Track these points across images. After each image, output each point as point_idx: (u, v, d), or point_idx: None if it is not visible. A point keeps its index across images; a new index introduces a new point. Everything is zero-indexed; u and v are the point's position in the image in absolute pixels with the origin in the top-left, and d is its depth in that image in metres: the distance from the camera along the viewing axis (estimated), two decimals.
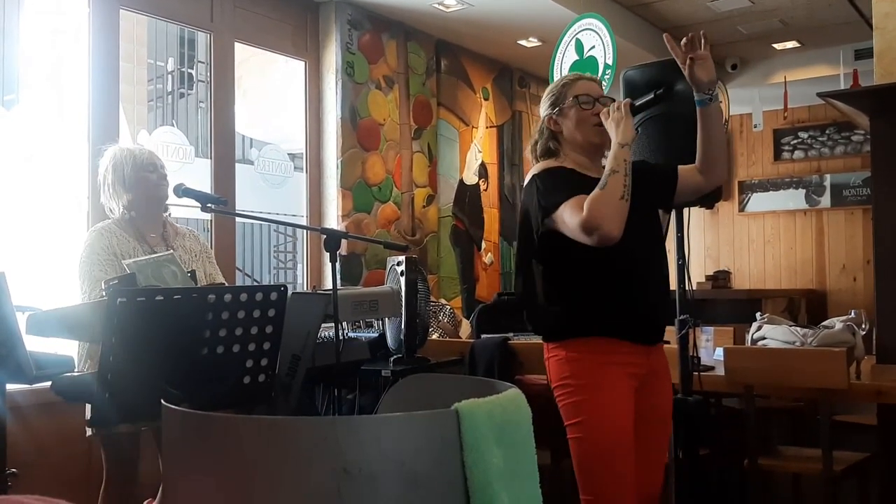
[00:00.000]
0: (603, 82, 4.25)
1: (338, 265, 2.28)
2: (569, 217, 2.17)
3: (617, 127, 2.27)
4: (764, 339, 3.34)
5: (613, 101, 2.40)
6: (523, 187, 2.41)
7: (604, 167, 2.37)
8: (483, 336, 3.79)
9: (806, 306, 7.30)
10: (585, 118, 2.34)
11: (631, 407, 2.25)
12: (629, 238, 2.20)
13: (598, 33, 4.33)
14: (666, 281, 2.43)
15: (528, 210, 2.33)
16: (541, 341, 2.41)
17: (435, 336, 4.45)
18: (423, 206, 5.69)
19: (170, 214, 2.96)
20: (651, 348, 2.33)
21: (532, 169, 2.39)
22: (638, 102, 2.35)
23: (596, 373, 2.23)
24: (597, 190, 2.16)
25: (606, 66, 4.24)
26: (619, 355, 2.24)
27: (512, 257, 6.51)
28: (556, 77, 4.52)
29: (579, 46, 4.42)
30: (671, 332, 3.55)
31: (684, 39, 2.27)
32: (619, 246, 2.16)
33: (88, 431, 2.69)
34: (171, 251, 2.72)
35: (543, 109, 2.45)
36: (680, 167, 2.45)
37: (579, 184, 2.23)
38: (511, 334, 3.69)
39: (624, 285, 2.26)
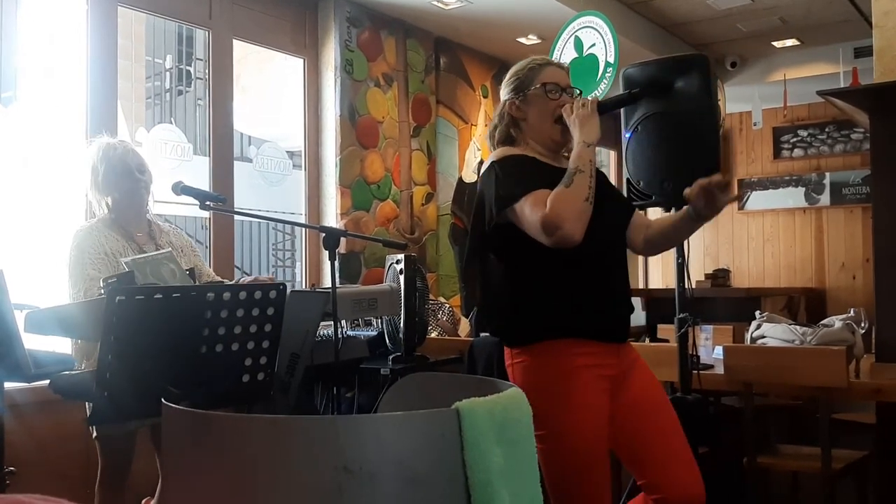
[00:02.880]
0: (604, 81, 4.25)
1: (337, 263, 2.28)
2: (529, 212, 2.03)
3: (582, 125, 2.13)
4: (763, 337, 3.34)
5: (580, 91, 2.30)
6: (481, 174, 2.25)
7: (565, 159, 2.24)
8: (482, 334, 3.78)
9: (805, 305, 7.30)
10: (551, 108, 2.21)
11: (604, 413, 2.11)
12: (593, 231, 2.07)
13: (598, 31, 4.33)
14: (627, 276, 2.29)
15: (484, 199, 2.18)
16: None
17: (434, 334, 4.45)
18: (422, 205, 5.68)
19: (149, 212, 2.89)
20: (620, 346, 2.19)
21: (491, 155, 2.24)
22: (606, 100, 2.25)
23: (565, 379, 2.08)
24: (561, 187, 2.03)
25: (608, 63, 4.23)
26: (589, 357, 2.10)
27: None
28: None
29: (578, 44, 4.41)
30: (671, 331, 3.55)
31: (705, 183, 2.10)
32: (584, 240, 2.04)
33: (93, 431, 2.69)
34: (170, 249, 2.71)
35: (506, 93, 2.28)
36: (635, 215, 2.34)
37: (542, 174, 2.12)
38: None
39: (589, 282, 2.12)
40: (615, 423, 2.16)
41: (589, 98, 2.19)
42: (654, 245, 2.35)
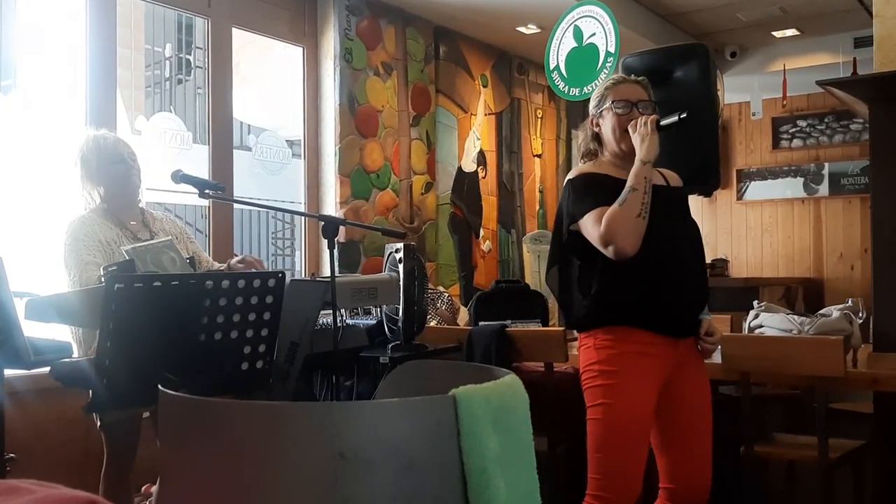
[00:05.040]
0: (605, 70, 4.24)
1: (336, 252, 2.28)
2: (590, 228, 2.31)
3: (642, 142, 2.35)
4: (761, 326, 3.35)
5: (655, 104, 2.47)
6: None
7: None
8: (481, 323, 3.79)
9: (803, 294, 7.31)
10: (620, 124, 2.43)
11: (653, 397, 2.33)
12: (662, 231, 2.30)
13: (599, 20, 4.31)
14: (702, 274, 2.52)
15: (562, 212, 2.46)
16: (537, 328, 2.46)
17: (433, 323, 4.46)
18: (422, 194, 5.68)
19: (141, 201, 2.93)
20: (679, 341, 2.38)
21: (571, 171, 2.50)
22: (663, 122, 2.41)
23: (624, 361, 2.31)
24: (615, 205, 2.27)
25: (608, 53, 4.22)
26: (646, 346, 2.31)
27: (510, 245, 6.51)
28: (552, 64, 4.51)
29: (578, 33, 4.40)
30: None
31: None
32: (653, 241, 2.26)
33: (97, 420, 2.70)
34: (170, 237, 2.72)
35: (590, 109, 2.54)
36: None
37: (611, 191, 2.32)
38: (509, 321, 3.69)
39: (654, 277, 2.32)
40: (658, 410, 2.38)
41: (650, 117, 2.39)
42: None
